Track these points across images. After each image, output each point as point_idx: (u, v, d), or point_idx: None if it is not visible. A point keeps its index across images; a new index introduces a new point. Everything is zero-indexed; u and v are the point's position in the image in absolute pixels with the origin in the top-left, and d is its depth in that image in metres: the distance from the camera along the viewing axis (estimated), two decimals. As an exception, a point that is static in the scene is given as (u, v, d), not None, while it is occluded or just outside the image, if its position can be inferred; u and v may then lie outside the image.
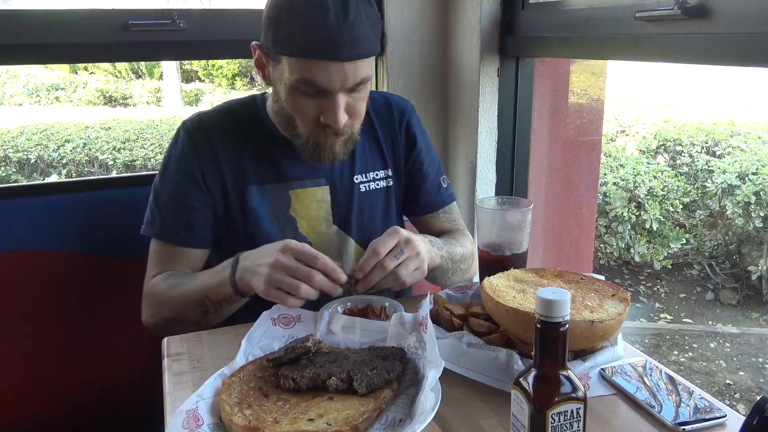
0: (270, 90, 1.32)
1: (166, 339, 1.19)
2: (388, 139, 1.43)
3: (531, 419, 0.68)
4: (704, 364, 4.12)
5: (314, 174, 1.35)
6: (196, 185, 1.30)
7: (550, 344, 0.67)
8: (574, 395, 0.68)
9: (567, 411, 0.67)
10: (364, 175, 1.40)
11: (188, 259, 1.33)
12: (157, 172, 1.38)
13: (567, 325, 0.67)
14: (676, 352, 4.25)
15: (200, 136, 1.31)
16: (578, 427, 0.68)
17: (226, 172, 1.31)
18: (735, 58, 1.19)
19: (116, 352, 1.60)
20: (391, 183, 1.43)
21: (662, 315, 4.78)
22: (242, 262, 1.14)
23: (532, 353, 0.98)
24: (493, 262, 1.24)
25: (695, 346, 4.34)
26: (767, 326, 4.57)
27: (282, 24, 1.13)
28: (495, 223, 1.23)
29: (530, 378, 0.69)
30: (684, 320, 4.71)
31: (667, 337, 4.46)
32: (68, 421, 1.58)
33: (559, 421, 0.67)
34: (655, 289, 5.14)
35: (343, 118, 1.18)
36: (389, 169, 1.43)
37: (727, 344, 4.36)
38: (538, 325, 0.68)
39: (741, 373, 4.02)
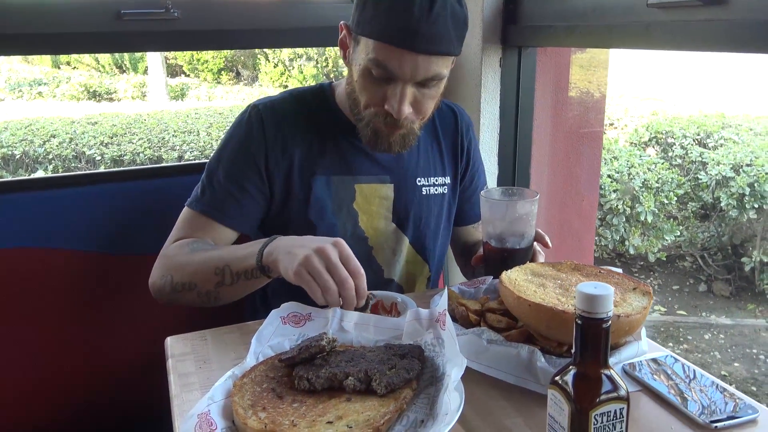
0: (336, 78, 1.31)
1: (169, 339, 1.15)
2: (450, 149, 1.44)
3: (572, 420, 0.64)
4: (699, 355, 4.13)
5: (381, 171, 1.35)
6: (255, 170, 1.28)
7: (593, 342, 0.64)
8: (617, 394, 0.64)
9: (610, 411, 0.64)
10: (426, 178, 1.40)
11: (219, 236, 1.29)
12: (143, 167, 1.35)
13: (610, 321, 0.63)
14: (671, 344, 4.26)
15: (271, 120, 1.29)
16: (621, 427, 0.65)
17: (295, 160, 1.29)
18: (752, 46, 1.17)
19: (117, 352, 1.56)
20: (446, 191, 1.43)
21: (656, 307, 4.78)
22: (278, 241, 1.11)
23: (554, 349, 0.96)
24: (497, 254, 1.21)
25: (690, 337, 4.35)
26: (762, 317, 4.58)
27: (368, 5, 1.14)
28: (499, 214, 1.19)
29: (569, 377, 0.66)
30: (678, 312, 4.72)
31: (662, 329, 4.47)
32: (70, 420, 1.54)
33: (602, 422, 0.64)
34: (649, 281, 5.14)
35: (406, 109, 1.17)
36: (447, 177, 1.44)
37: (721, 336, 4.37)
38: (579, 322, 0.64)
39: (736, 364, 4.03)
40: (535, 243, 1.23)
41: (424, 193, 1.39)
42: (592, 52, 2.08)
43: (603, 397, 0.64)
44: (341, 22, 1.24)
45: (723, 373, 3.92)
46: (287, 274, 1.04)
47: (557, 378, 0.67)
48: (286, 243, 1.09)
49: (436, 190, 1.41)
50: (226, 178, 1.28)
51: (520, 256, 1.20)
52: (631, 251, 4.77)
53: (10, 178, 1.56)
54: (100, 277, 1.53)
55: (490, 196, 1.22)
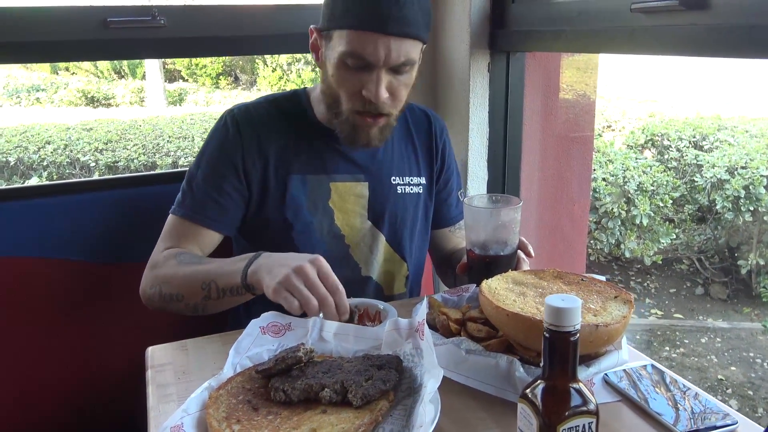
0: (305, 85, 1.35)
1: (149, 349, 1.14)
2: (425, 151, 1.48)
3: (540, 435, 0.63)
4: (696, 359, 4.11)
5: (355, 170, 1.38)
6: (233, 172, 1.31)
7: (560, 355, 0.63)
8: (585, 409, 0.64)
9: (578, 426, 0.63)
10: (401, 177, 1.43)
11: (207, 242, 1.33)
12: (137, 173, 1.37)
13: (578, 335, 0.63)
14: (667, 348, 4.24)
15: (246, 123, 1.34)
16: (590, 442, 0.64)
17: (270, 160, 1.33)
18: (734, 50, 1.16)
19: (103, 360, 1.55)
20: (421, 191, 1.46)
21: (653, 311, 4.77)
22: (261, 259, 1.13)
23: (533, 359, 0.95)
24: (480, 261, 1.20)
25: (686, 341, 4.33)
26: (757, 320, 4.57)
27: (338, 0, 1.20)
28: (482, 222, 1.19)
29: (538, 390, 0.65)
30: (675, 316, 4.70)
31: (659, 333, 4.45)
32: (51, 429, 1.53)
33: (571, 437, 0.63)
34: (646, 284, 5.13)
35: (383, 93, 1.21)
36: (422, 178, 1.47)
37: (718, 339, 4.35)
38: (547, 335, 0.63)
39: (733, 368, 4.01)
40: (518, 251, 1.23)
41: (399, 191, 1.42)
42: (582, 55, 2.08)
43: (571, 411, 0.63)
44: (311, 26, 1.29)
45: (719, 377, 3.90)
46: (268, 293, 1.07)
47: (527, 391, 0.66)
48: (269, 262, 1.11)
49: (411, 189, 1.44)
50: (205, 182, 1.32)
51: (504, 263, 1.19)
52: (627, 255, 4.75)
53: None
54: (88, 285, 1.53)
55: (473, 204, 1.21)
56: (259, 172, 1.32)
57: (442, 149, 1.50)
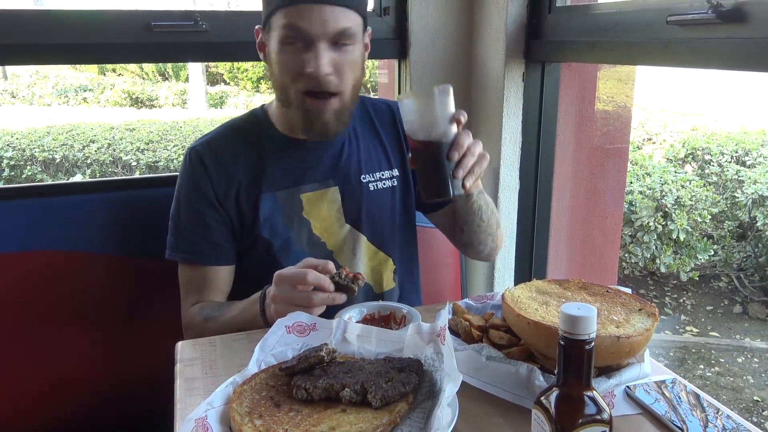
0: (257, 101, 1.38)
1: (179, 343, 1.17)
2: (393, 141, 1.47)
3: (552, 441, 0.64)
4: (731, 379, 4.01)
5: (323, 176, 1.38)
6: (209, 205, 1.34)
7: (575, 363, 0.64)
8: (599, 417, 0.64)
9: (591, 434, 0.63)
10: (371, 174, 1.42)
11: (217, 279, 1.36)
12: (176, 173, 1.44)
13: (593, 343, 0.63)
14: (702, 367, 4.15)
15: (209, 156, 1.35)
16: (603, 451, 0.64)
17: (241, 184, 1.35)
18: (771, 65, 1.15)
19: (130, 355, 1.59)
20: (396, 183, 1.45)
21: (688, 328, 4.67)
22: (268, 297, 1.17)
23: (554, 368, 0.95)
24: (417, 147, 1.15)
25: (722, 360, 4.23)
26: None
27: None
28: (411, 110, 1.13)
29: (552, 397, 0.66)
30: (711, 333, 4.60)
31: (693, 350, 4.36)
32: (78, 423, 1.57)
33: (583, 445, 0.63)
34: (681, 301, 5.03)
35: (324, 66, 1.21)
36: (394, 170, 1.46)
37: (756, 359, 4.24)
38: (562, 342, 0.64)
39: (770, 389, 3.90)
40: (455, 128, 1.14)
41: (371, 189, 1.42)
42: (619, 67, 2.07)
43: (584, 419, 0.64)
44: (255, 26, 1.31)
45: (756, 398, 3.80)
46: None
47: (541, 398, 0.67)
48: (269, 299, 1.16)
49: (384, 184, 1.43)
50: (190, 222, 1.35)
51: (435, 149, 1.12)
52: (663, 270, 4.66)
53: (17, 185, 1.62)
54: (124, 280, 1.57)
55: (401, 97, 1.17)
56: (233, 200, 1.34)
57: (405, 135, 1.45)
